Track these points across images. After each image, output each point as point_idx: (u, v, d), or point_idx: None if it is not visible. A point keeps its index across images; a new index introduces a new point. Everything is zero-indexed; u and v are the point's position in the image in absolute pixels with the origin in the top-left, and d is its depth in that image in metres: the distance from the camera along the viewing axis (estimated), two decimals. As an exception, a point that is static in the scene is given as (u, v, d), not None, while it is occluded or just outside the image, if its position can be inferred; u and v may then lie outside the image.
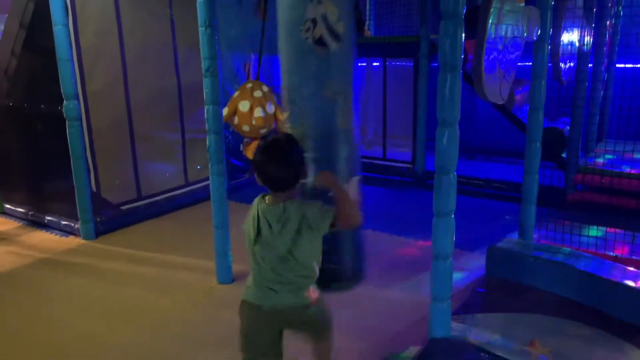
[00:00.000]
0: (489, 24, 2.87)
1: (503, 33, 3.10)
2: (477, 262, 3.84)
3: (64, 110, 4.25)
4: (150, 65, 5.08)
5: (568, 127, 5.63)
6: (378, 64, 7.42)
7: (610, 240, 4.14)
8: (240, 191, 5.93)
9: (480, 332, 2.87)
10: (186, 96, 5.45)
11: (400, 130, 6.93)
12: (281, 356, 2.14)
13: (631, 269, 3.17)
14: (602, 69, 5.76)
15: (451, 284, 2.72)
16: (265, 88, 4.99)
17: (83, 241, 4.53)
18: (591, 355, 2.68)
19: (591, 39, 5.15)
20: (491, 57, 2.98)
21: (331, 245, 2.89)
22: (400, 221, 4.98)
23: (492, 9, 2.82)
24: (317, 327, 2.16)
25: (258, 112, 4.82)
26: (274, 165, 1.96)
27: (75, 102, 4.26)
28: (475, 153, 7.46)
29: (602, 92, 5.94)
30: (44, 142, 4.85)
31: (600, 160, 5.63)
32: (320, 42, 2.96)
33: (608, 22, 5.59)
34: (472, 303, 3.27)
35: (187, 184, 5.53)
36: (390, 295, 3.48)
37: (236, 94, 4.14)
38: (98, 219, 4.60)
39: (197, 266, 3.98)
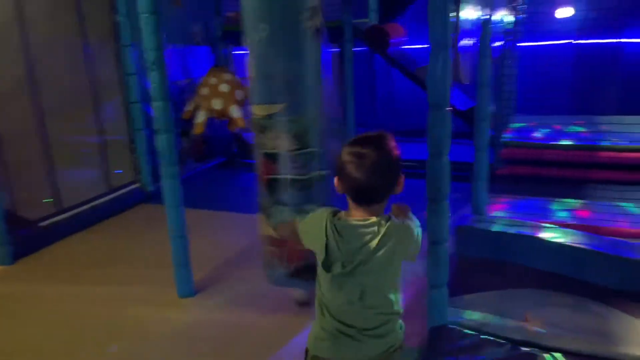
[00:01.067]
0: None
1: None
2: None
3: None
4: (60, 62, 4.49)
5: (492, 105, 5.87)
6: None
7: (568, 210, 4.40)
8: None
9: (473, 314, 2.86)
10: (101, 94, 4.91)
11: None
12: None
13: (599, 235, 3.33)
14: (514, 47, 6.07)
15: (448, 269, 2.67)
16: (228, 76, 4.69)
17: (-1, 267, 3.92)
18: (580, 321, 2.77)
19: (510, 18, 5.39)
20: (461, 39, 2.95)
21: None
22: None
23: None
24: None
25: (235, 113, 4.55)
26: (370, 171, 1.48)
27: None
28: (395, 135, 7.58)
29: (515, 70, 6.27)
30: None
31: (535, 134, 5.97)
32: (318, 31, 2.76)
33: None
34: (453, 286, 3.26)
35: (111, 191, 5.01)
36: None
37: (203, 91, 3.87)
38: (15, 240, 3.99)
39: (149, 280, 3.59)
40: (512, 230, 3.49)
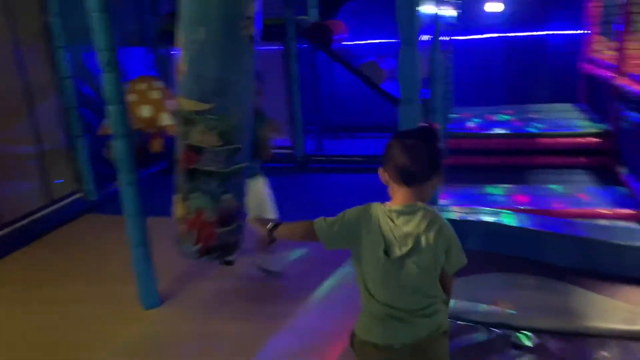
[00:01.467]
0: None
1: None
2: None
3: None
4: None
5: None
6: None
7: (504, 195, 4.61)
8: (113, 202, 5.25)
9: (446, 301, 2.94)
10: (36, 99, 4.60)
11: (274, 116, 6.75)
12: None
13: (552, 218, 3.51)
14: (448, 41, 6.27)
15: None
16: (158, 84, 4.54)
17: None
18: (546, 300, 2.91)
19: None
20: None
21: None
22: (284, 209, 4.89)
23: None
24: None
25: (166, 120, 4.35)
26: (423, 150, 1.59)
27: None
28: (337, 132, 7.65)
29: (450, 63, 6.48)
30: None
31: (469, 124, 6.19)
32: (251, 38, 2.75)
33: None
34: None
35: (53, 202, 4.71)
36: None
37: (133, 97, 3.67)
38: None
39: (109, 295, 3.41)
40: (471, 217, 3.61)
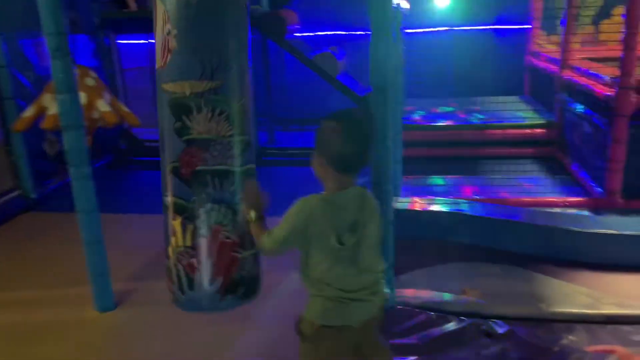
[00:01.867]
0: None
1: None
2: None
3: None
4: None
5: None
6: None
7: (455, 185, 4.68)
8: (54, 199, 4.94)
9: (415, 293, 2.93)
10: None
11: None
12: None
13: (511, 206, 3.58)
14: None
15: (394, 250, 2.71)
16: (93, 73, 4.28)
17: None
18: (511, 288, 2.97)
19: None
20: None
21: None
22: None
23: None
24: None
25: (104, 106, 4.08)
26: (359, 138, 1.61)
27: None
28: (287, 124, 7.54)
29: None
30: None
31: (414, 117, 6.24)
32: (245, 3, 2.53)
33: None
34: (387, 267, 3.32)
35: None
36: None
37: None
38: None
39: (59, 298, 3.18)
40: (431, 207, 3.63)
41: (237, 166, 2.52)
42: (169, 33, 2.33)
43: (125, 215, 4.47)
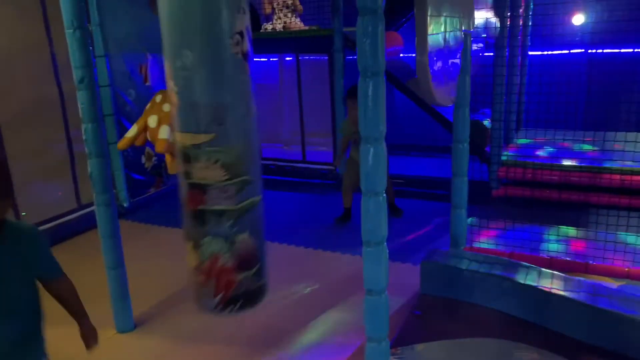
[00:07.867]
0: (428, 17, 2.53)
1: (442, 27, 2.78)
2: (409, 276, 3.51)
3: None
4: (22, 71, 4.33)
5: (489, 119, 5.48)
6: (291, 58, 6.96)
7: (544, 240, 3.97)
8: (144, 210, 5.31)
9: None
10: (71, 105, 4.73)
11: (319, 127, 6.51)
12: None
13: (572, 276, 2.95)
14: (517, 57, 5.65)
15: (387, 322, 2.36)
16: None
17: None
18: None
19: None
20: (434, 56, 2.62)
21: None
22: (324, 232, 4.61)
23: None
24: None
25: (163, 134, 4.25)
26: None
27: None
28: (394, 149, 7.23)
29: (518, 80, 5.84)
30: None
31: (525, 152, 5.52)
32: (245, 56, 2.50)
33: (521, 11, 5.50)
34: (409, 330, 2.94)
35: (80, 207, 4.82)
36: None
37: (148, 106, 3.57)
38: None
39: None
40: (481, 268, 3.13)
41: (233, 204, 2.55)
42: (171, 89, 2.47)
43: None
